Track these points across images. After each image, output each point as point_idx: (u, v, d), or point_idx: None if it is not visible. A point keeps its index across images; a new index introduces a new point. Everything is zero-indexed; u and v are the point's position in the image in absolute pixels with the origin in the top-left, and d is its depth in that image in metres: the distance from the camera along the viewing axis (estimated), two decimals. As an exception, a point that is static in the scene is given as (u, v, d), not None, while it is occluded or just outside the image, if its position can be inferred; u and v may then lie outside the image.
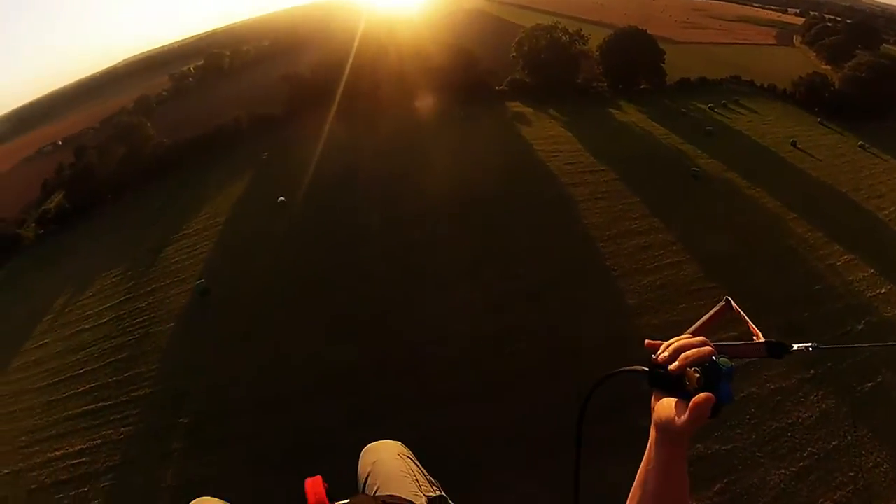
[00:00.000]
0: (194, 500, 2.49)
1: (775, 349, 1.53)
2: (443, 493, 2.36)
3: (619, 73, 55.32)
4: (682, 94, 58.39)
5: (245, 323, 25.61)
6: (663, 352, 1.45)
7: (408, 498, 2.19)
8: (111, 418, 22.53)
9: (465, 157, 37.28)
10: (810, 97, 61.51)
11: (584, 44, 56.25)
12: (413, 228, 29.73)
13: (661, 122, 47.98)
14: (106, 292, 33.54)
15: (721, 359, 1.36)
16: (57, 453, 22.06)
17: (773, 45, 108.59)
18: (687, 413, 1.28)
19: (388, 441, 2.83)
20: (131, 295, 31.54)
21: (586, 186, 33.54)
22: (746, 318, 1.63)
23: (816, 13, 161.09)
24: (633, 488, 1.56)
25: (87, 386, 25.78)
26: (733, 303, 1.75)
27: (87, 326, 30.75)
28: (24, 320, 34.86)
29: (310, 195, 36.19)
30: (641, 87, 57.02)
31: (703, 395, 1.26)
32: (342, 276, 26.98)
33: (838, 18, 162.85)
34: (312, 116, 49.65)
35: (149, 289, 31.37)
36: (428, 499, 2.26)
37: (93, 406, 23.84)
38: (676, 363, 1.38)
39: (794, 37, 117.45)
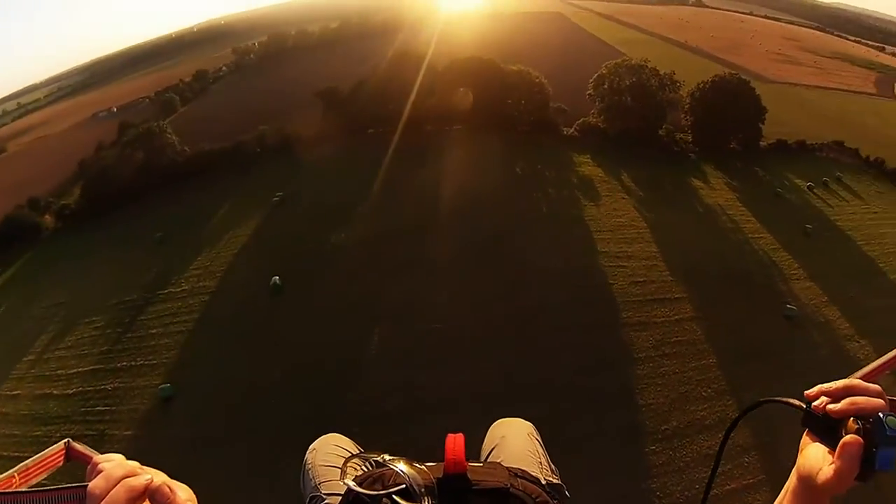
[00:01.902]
0: (326, 436, 2.64)
1: None
2: (561, 482, 2.31)
3: (710, 131, 46.77)
4: (777, 161, 49.86)
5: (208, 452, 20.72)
6: (828, 392, 1.32)
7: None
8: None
9: (512, 253, 30.00)
10: (926, 186, 52.67)
11: (675, 90, 47.50)
12: (424, 366, 23.16)
13: (753, 207, 39.86)
14: (82, 348, 29.63)
15: (889, 418, 1.16)
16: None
17: (874, 94, 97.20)
18: (830, 471, 1.18)
19: (521, 420, 2.82)
20: (101, 366, 27.63)
21: (654, 331, 25.89)
22: None
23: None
24: None
25: (39, 483, 21.64)
26: None
27: (55, 392, 27.28)
28: (12, 346, 32.07)
29: (314, 278, 29.70)
30: (732, 145, 48.42)
31: (853, 440, 1.15)
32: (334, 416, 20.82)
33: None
34: (343, 148, 42.87)
35: (119, 365, 27.32)
36: (547, 482, 2.16)
37: (37, 515, 19.08)
38: (840, 406, 1.25)
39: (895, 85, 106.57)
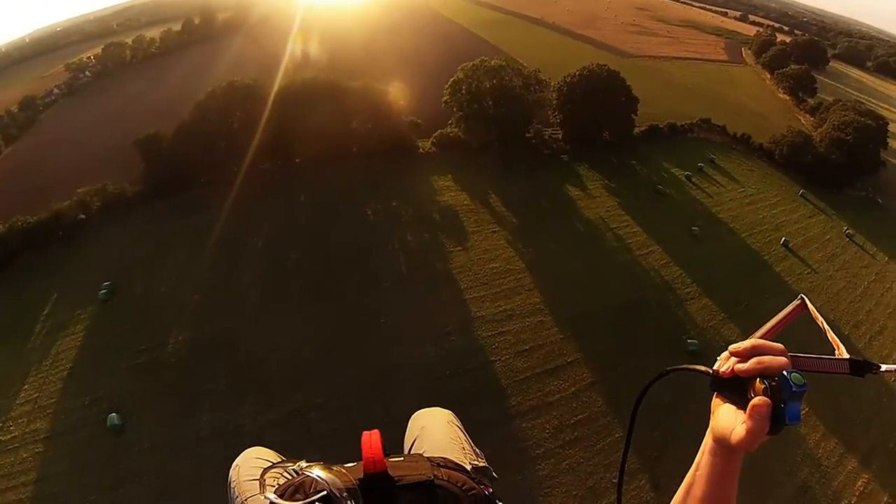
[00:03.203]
0: (248, 450, 2.55)
1: (859, 368, 1.38)
2: (487, 465, 2.31)
3: (580, 126, 42.76)
4: (652, 150, 47.53)
5: None
6: (737, 352, 1.37)
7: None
8: None
9: (369, 344, 23.61)
10: (791, 158, 52.71)
11: (541, 90, 42.72)
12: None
13: (637, 213, 36.45)
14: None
15: (793, 374, 1.25)
16: None
17: (726, 61, 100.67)
18: (742, 431, 1.24)
19: (439, 409, 2.85)
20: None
21: (550, 415, 21.45)
22: (826, 325, 1.51)
23: (760, 25, 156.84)
24: (679, 490, 1.52)
25: None
26: (808, 302, 1.59)
27: None
28: None
29: (156, 404, 22.48)
30: (605, 135, 44.72)
31: (761, 402, 1.22)
32: None
33: (785, 28, 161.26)
34: (174, 207, 34.53)
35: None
36: (473, 467, 2.18)
37: None
38: (748, 365, 1.30)
39: (743, 50, 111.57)
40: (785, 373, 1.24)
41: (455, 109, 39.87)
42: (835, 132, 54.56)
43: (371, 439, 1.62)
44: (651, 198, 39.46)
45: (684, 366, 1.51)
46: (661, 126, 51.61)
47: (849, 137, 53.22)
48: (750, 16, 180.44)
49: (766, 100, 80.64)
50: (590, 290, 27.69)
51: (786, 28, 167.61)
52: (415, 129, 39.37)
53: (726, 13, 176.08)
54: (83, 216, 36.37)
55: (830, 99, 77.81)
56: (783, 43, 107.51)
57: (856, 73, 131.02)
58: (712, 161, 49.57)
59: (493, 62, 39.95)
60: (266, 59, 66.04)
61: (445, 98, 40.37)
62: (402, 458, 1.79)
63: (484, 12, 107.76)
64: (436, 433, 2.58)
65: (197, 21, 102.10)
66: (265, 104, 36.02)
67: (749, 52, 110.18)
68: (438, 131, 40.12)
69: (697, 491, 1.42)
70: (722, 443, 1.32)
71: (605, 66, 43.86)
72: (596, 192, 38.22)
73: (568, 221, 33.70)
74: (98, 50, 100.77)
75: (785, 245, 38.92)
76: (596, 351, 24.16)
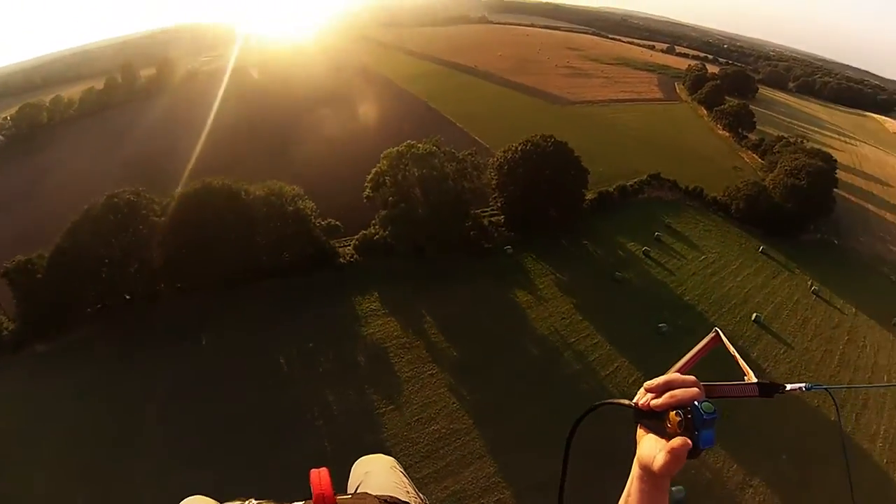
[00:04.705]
0: (187, 499, 2.41)
1: (768, 390, 1.50)
2: None
3: (526, 210, 38.37)
4: (604, 224, 43.93)
5: None
6: (651, 388, 1.44)
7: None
8: None
9: None
10: (748, 211, 49.97)
11: (479, 175, 37.71)
12: None
13: (595, 314, 32.17)
14: None
15: (704, 404, 1.32)
16: None
17: (662, 100, 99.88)
18: (663, 459, 1.31)
19: (382, 455, 2.78)
20: None
21: None
22: (736, 354, 1.62)
23: (686, 56, 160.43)
24: None
25: None
26: (723, 335, 1.72)
27: None
28: None
29: None
30: (552, 214, 40.13)
31: (678, 442, 1.28)
32: None
33: (710, 56, 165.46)
34: (50, 354, 28.42)
35: None
36: None
37: None
38: (661, 400, 1.37)
39: (676, 85, 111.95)
40: (696, 403, 1.31)
41: (379, 207, 34.51)
42: (788, 178, 52.37)
43: (320, 476, 1.61)
44: (609, 289, 35.20)
45: (609, 400, 1.55)
46: (611, 191, 48.13)
47: (802, 182, 51.17)
48: (676, 47, 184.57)
49: (708, 139, 79.36)
50: (553, 443, 22.45)
51: (710, 56, 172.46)
52: (334, 232, 33.60)
53: (653, 46, 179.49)
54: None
55: (773, 133, 77.69)
56: (713, 76, 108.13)
57: (781, 96, 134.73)
58: (668, 226, 46.14)
59: (421, 147, 34.86)
60: (186, 124, 60.95)
61: (367, 193, 34.99)
62: (349, 497, 1.81)
63: (418, 63, 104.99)
64: (380, 477, 2.46)
65: (119, 79, 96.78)
66: (152, 221, 30.29)
67: (682, 87, 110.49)
68: (361, 233, 34.41)
69: None
70: (647, 470, 1.37)
71: (551, 137, 39.57)
72: (548, 293, 33.46)
73: (519, 344, 28.50)
74: (13, 111, 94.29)
75: (757, 321, 36.09)
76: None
